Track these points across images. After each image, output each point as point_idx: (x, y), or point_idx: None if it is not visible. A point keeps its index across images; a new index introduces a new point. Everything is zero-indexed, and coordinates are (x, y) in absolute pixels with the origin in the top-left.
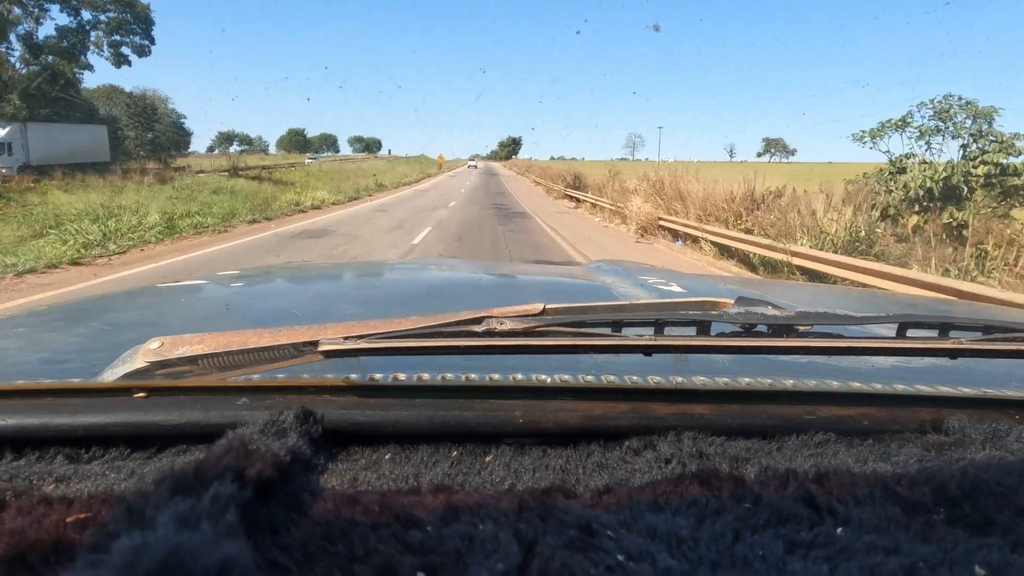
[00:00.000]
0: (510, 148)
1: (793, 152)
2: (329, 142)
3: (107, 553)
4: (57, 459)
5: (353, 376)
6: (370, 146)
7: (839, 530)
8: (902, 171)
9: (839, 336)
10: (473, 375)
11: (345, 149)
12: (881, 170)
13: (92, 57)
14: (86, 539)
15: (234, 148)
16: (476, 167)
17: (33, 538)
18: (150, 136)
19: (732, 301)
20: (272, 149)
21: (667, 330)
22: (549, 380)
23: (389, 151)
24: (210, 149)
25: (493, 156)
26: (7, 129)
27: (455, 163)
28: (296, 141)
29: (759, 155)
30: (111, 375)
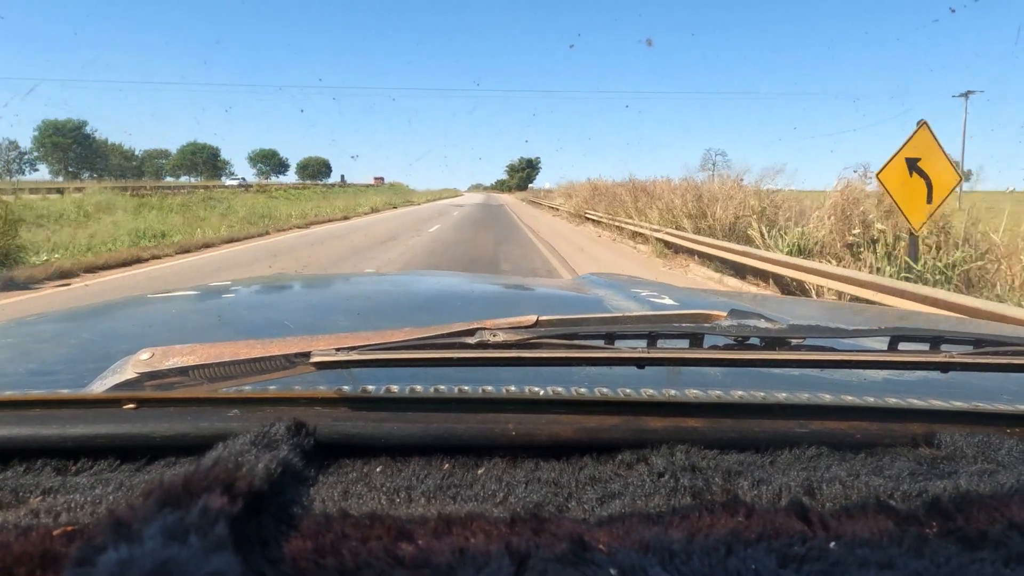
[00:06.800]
0: (523, 174)
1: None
2: (219, 161)
3: (94, 567)
4: (45, 471)
5: (345, 388)
6: (284, 170)
7: (832, 544)
8: None
9: (831, 349)
10: (466, 387)
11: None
12: None
13: None
14: (72, 552)
15: None
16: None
17: (19, 551)
18: None
19: (725, 314)
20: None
21: (660, 343)
22: (542, 392)
23: (342, 177)
24: None
25: (499, 186)
26: None
27: (429, 193)
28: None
29: None
30: (100, 386)
